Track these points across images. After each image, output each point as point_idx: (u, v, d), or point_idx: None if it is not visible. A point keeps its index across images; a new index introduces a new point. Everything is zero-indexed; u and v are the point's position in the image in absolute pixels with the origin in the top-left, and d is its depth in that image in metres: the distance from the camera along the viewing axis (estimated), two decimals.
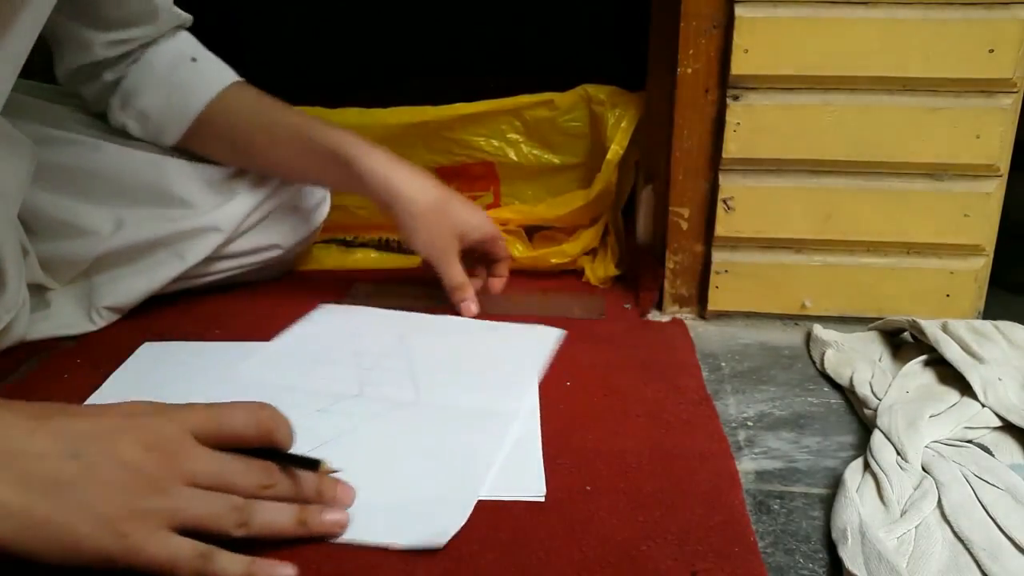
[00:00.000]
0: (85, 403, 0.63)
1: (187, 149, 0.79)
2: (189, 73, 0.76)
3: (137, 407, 0.45)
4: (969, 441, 0.57)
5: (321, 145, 0.75)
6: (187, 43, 0.78)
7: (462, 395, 0.64)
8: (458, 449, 0.57)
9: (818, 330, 0.74)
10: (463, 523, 0.49)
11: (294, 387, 0.65)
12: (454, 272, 0.77)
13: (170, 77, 0.76)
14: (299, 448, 0.48)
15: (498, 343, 0.74)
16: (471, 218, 0.77)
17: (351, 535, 0.48)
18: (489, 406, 0.62)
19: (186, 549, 0.42)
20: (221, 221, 0.78)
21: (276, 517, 0.46)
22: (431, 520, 0.49)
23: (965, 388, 0.61)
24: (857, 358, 0.69)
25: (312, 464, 0.48)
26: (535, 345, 0.73)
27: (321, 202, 0.87)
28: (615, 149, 0.84)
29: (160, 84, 0.76)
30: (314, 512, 0.47)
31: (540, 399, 0.63)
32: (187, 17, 0.78)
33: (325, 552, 0.47)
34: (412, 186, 0.75)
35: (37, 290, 0.74)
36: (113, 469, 0.41)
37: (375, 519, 0.49)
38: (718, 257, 0.78)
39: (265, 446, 0.46)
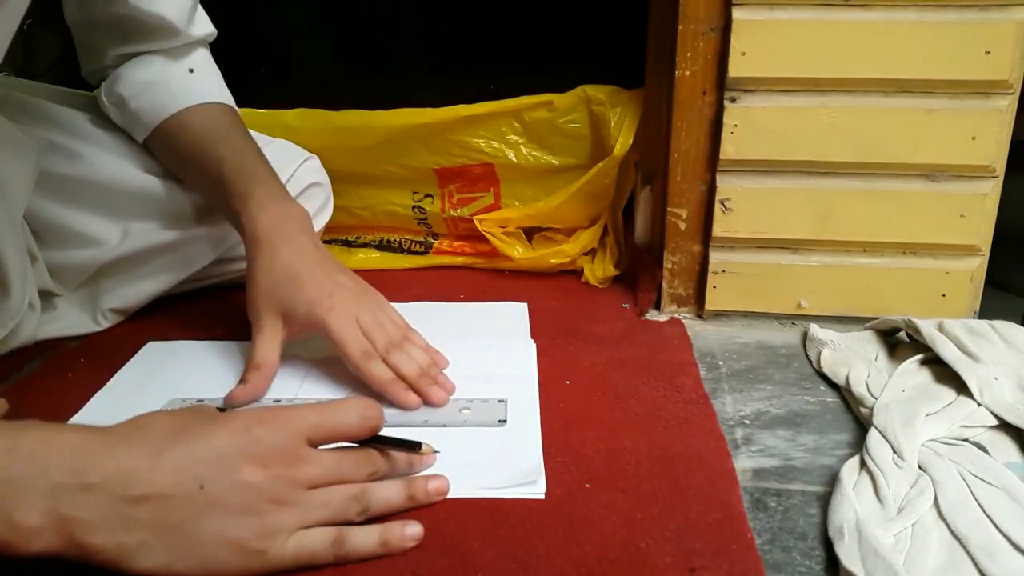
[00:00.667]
0: (90, 402, 0.64)
1: (151, 152, 0.77)
2: (178, 79, 0.75)
3: (250, 418, 0.45)
4: (965, 440, 0.58)
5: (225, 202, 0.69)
6: (196, 57, 0.77)
7: (476, 365, 0.67)
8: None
9: (815, 329, 0.74)
10: (542, 468, 0.54)
11: (309, 375, 0.67)
12: (257, 345, 0.64)
13: (159, 76, 0.75)
14: None
15: (477, 319, 0.77)
16: (305, 297, 0.63)
17: (453, 489, 0.52)
18: (506, 371, 0.67)
19: (319, 540, 0.45)
20: (225, 226, 0.78)
21: (389, 496, 0.50)
22: (515, 466, 0.55)
23: (961, 387, 0.61)
24: (853, 357, 0.70)
25: (415, 446, 0.52)
26: (512, 317, 0.80)
27: (324, 204, 0.87)
28: (622, 143, 0.84)
29: (148, 80, 0.74)
30: (419, 483, 0.51)
31: (540, 398, 0.64)
32: (208, 34, 0.77)
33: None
34: (271, 246, 0.65)
35: (44, 295, 0.74)
36: (238, 494, 0.43)
37: (465, 475, 0.53)
38: (716, 257, 0.78)
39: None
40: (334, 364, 0.66)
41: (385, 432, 0.56)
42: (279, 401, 0.63)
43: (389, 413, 0.61)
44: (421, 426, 0.60)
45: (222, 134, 0.72)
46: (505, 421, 0.61)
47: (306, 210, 0.70)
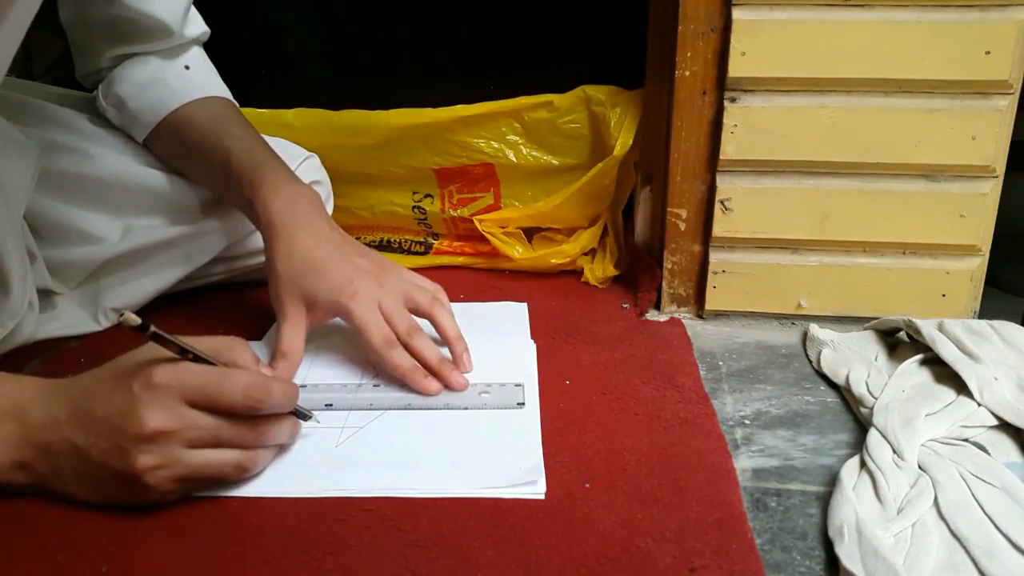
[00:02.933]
0: None
1: (151, 150, 0.77)
2: (175, 76, 0.75)
3: (139, 380, 0.48)
4: (965, 440, 0.58)
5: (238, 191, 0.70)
6: (191, 55, 0.77)
7: (476, 365, 0.67)
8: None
9: (815, 329, 0.74)
10: (542, 468, 0.55)
11: (317, 359, 0.69)
12: (283, 333, 0.65)
13: (156, 75, 0.75)
14: (360, 415, 0.60)
15: (478, 320, 0.76)
16: (327, 285, 0.64)
17: (453, 489, 0.52)
18: (507, 373, 0.67)
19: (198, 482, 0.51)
20: (228, 223, 0.79)
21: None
22: (515, 466, 0.55)
23: (961, 387, 0.61)
24: (853, 357, 0.70)
25: (304, 416, 0.56)
26: (512, 317, 0.80)
27: (324, 202, 0.86)
28: (622, 143, 0.85)
29: (145, 79, 0.75)
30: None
31: (540, 398, 0.64)
32: (203, 33, 0.78)
33: (327, 547, 0.48)
34: (289, 236, 0.66)
35: (44, 294, 0.74)
36: (121, 454, 0.48)
37: (465, 474, 0.54)
38: (715, 257, 0.78)
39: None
40: (342, 347, 0.69)
41: (411, 412, 0.62)
42: None
43: (412, 396, 0.63)
44: (443, 408, 0.62)
45: (225, 126, 0.73)
46: (523, 404, 0.62)
47: (317, 192, 0.71)
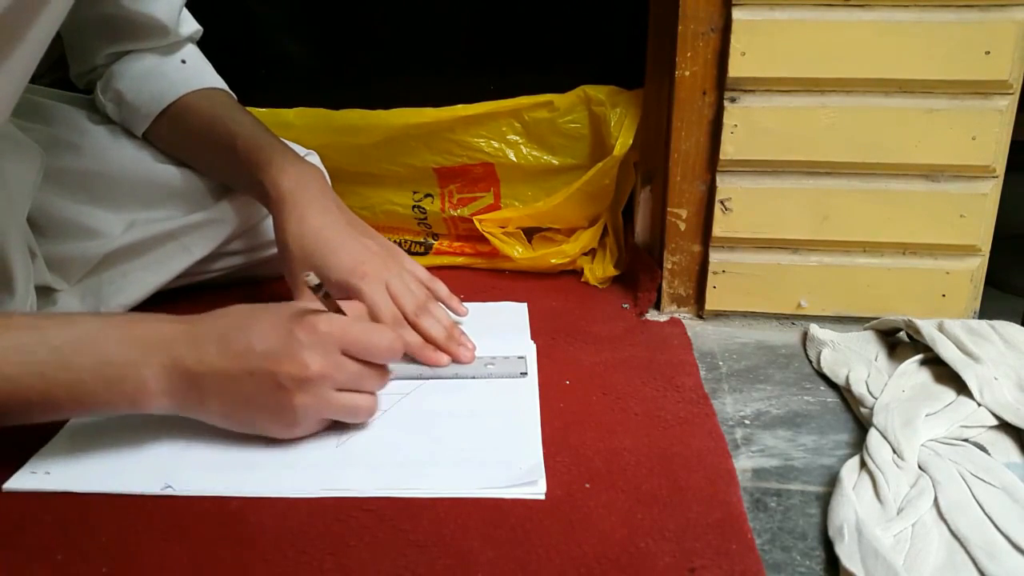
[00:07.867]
0: None
1: (152, 143, 0.78)
2: (172, 69, 0.77)
3: (298, 324, 0.54)
4: (965, 440, 0.58)
5: (248, 175, 0.72)
6: (186, 51, 0.79)
7: (476, 365, 0.69)
8: (503, 406, 0.63)
9: (815, 329, 0.75)
10: (542, 468, 0.55)
11: None
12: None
13: (154, 69, 0.76)
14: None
15: (477, 319, 0.77)
16: (339, 264, 0.68)
17: (454, 489, 0.53)
18: (506, 371, 0.68)
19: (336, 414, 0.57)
20: (227, 215, 0.79)
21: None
22: (515, 466, 0.55)
23: (961, 387, 0.61)
24: (853, 357, 0.70)
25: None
26: (512, 317, 0.81)
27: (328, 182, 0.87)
28: (622, 143, 0.85)
29: (143, 73, 0.76)
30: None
31: (540, 398, 0.64)
32: (196, 31, 0.79)
33: (327, 547, 0.48)
34: (298, 215, 0.68)
35: (44, 291, 0.74)
36: (275, 388, 0.53)
37: (465, 474, 0.54)
38: (715, 257, 0.78)
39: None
40: None
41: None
42: None
43: (421, 368, 0.68)
44: (452, 378, 0.67)
45: (228, 113, 0.75)
46: (526, 373, 0.67)
47: (323, 170, 0.73)
